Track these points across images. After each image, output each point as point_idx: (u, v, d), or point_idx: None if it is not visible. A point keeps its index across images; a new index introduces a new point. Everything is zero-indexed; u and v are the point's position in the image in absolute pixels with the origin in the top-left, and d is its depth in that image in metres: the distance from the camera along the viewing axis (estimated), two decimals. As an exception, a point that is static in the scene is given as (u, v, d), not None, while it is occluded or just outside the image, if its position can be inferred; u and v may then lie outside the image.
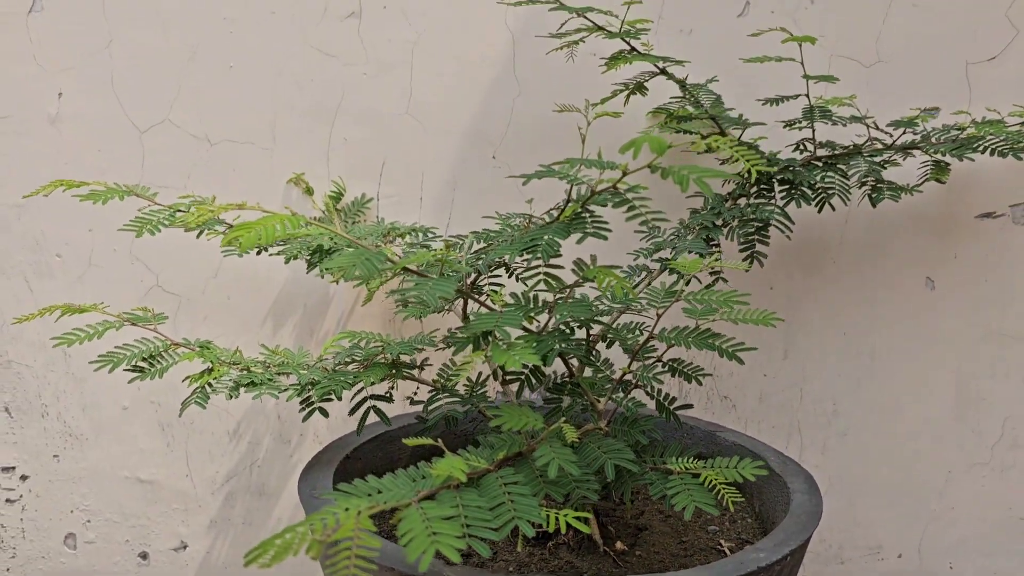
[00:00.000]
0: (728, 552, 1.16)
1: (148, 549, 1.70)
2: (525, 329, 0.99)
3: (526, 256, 0.92)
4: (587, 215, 0.92)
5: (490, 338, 0.86)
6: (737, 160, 0.87)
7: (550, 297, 1.00)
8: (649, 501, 1.30)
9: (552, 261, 0.97)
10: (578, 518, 0.83)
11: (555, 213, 1.10)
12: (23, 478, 1.68)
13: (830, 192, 1.35)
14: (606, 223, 0.94)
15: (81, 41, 1.55)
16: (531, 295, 0.98)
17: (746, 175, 1.34)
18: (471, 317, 1.00)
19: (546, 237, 0.90)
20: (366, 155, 1.57)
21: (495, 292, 0.98)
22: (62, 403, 1.66)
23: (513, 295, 0.99)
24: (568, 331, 0.95)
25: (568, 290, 1.01)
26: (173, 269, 1.60)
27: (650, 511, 1.27)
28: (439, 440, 0.91)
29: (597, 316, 0.99)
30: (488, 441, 0.93)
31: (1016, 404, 1.61)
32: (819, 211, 1.38)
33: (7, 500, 1.68)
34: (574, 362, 1.09)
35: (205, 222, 0.84)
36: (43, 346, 1.62)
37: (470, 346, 0.89)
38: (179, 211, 1.34)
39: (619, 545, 1.12)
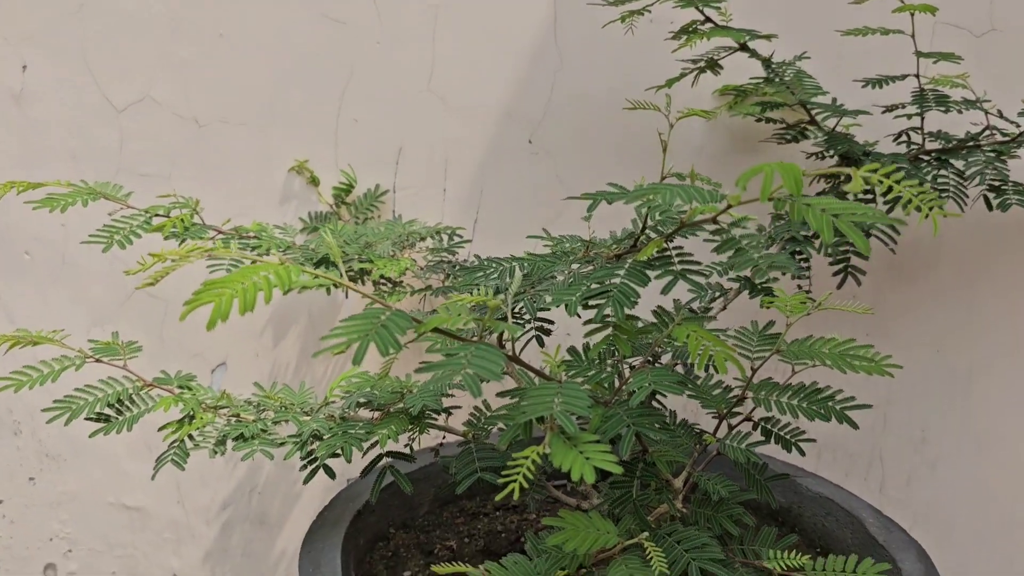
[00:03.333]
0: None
1: (137, 582, 1.52)
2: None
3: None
4: (672, 253, 0.69)
5: (545, 423, 0.64)
6: (915, 206, 0.64)
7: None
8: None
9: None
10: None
11: (621, 237, 0.87)
12: (-4, 502, 1.50)
13: (944, 195, 1.11)
14: (698, 264, 0.71)
15: (48, 5, 1.31)
16: (595, 356, 0.75)
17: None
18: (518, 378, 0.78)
19: (618, 282, 0.67)
20: (380, 139, 1.34)
21: (548, 356, 0.76)
22: (36, 419, 1.46)
23: (571, 351, 0.77)
24: (644, 407, 0.73)
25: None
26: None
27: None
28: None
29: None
30: (539, 548, 0.72)
31: None
32: (925, 217, 1.14)
33: (-23, 528, 1.50)
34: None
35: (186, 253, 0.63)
36: (13, 353, 1.42)
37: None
38: (157, 215, 1.13)
39: None
